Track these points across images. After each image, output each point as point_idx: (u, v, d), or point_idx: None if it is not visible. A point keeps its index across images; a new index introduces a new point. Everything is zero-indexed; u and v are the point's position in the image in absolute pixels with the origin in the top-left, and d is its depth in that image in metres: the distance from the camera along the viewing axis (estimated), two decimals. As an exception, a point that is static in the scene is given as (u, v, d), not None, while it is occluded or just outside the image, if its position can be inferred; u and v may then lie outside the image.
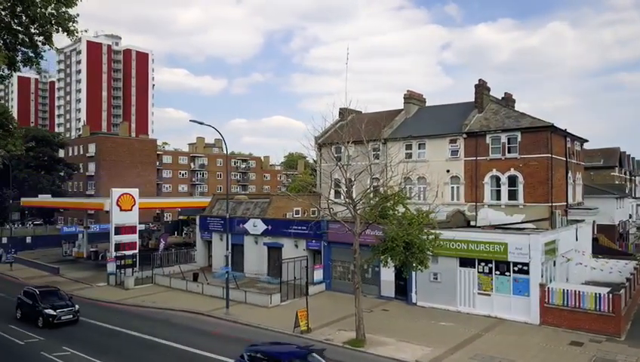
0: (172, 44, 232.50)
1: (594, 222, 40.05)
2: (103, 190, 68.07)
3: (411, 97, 40.05)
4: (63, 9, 19.17)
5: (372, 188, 23.91)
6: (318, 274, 32.62)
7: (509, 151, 31.52)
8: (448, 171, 33.45)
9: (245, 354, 17.00)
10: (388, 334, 23.14)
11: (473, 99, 35.73)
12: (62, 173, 73.66)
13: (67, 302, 26.19)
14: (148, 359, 20.82)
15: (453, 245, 27.21)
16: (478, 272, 26.93)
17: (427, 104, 41.66)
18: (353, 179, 23.51)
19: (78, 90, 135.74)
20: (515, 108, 36.07)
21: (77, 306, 26.14)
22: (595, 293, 23.43)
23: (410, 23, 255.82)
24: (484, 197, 32.24)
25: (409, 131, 36.01)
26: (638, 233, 52.32)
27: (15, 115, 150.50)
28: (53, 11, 19.14)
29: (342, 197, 26.82)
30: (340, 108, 40.28)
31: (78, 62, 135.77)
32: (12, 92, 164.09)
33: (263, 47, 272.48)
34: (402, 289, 29.83)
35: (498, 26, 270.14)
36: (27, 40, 19.78)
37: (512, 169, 31.26)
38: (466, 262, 27.37)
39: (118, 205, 37.98)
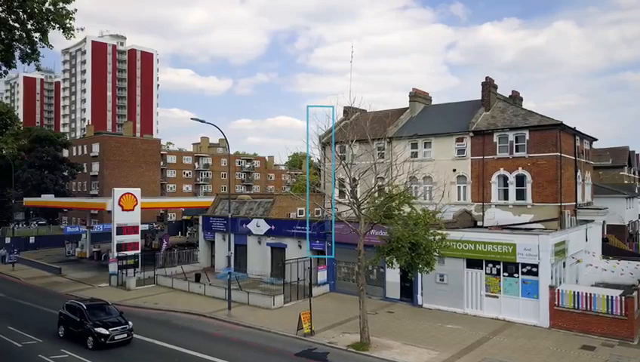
0: (177, 44, 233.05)
1: (604, 222, 39.28)
2: (107, 190, 67.72)
3: (417, 95, 39.40)
4: (61, 5, 18.78)
5: (377, 188, 23.32)
6: (322, 275, 32.06)
7: (516, 150, 30.84)
8: (455, 170, 32.80)
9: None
10: (393, 337, 22.59)
11: (479, 98, 35.08)
12: (65, 173, 73.46)
13: (119, 318, 22.62)
14: (145, 361, 20.38)
15: (460, 246, 26.61)
16: (486, 274, 26.31)
17: (433, 103, 41.03)
18: (357, 179, 22.96)
19: (83, 90, 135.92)
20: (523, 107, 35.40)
21: (131, 323, 22.46)
22: (607, 296, 22.76)
23: (416, 22, 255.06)
24: (492, 197, 31.58)
25: (415, 130, 35.39)
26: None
27: (21, 115, 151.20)
28: (50, 7, 18.75)
29: (346, 196, 26.26)
30: (345, 107, 39.74)
31: (83, 62, 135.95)
32: (18, 92, 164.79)
33: (267, 47, 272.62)
34: (408, 290, 29.24)
35: (503, 26, 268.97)
36: (24, 36, 19.40)
37: (520, 168, 30.57)
38: (473, 263, 26.76)
39: (120, 205, 37.57)
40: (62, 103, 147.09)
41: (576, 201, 32.99)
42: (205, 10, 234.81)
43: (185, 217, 68.34)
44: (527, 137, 30.46)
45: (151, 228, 57.69)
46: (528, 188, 30.25)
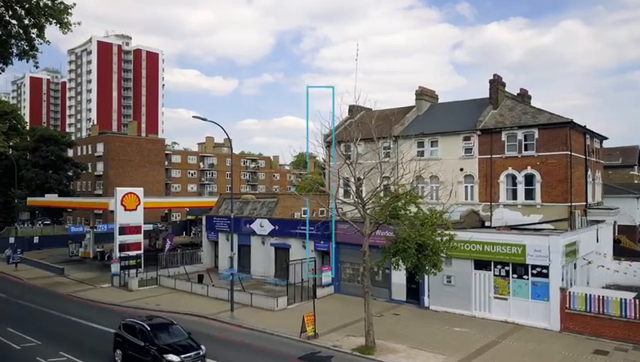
0: (183, 45, 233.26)
1: (615, 222, 38.47)
2: (111, 189, 67.34)
3: (423, 93, 38.76)
4: (59, 0, 18.39)
5: (382, 187, 22.74)
6: (327, 276, 31.54)
7: (525, 149, 30.13)
8: (462, 169, 32.14)
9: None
10: (399, 340, 22.02)
11: (487, 96, 34.40)
12: (70, 173, 73.31)
13: (189, 341, 19.24)
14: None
15: (467, 246, 25.98)
16: (494, 275, 25.69)
17: (439, 102, 40.38)
18: (362, 178, 22.39)
19: (89, 90, 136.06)
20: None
21: (204, 348, 19.07)
22: (620, 299, 22.06)
23: (421, 22, 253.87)
24: (500, 197, 30.90)
25: (421, 128, 34.76)
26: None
27: (27, 115, 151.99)
28: (48, 2, 18.35)
29: (351, 196, 25.69)
30: (350, 105, 39.23)
31: (89, 62, 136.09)
32: (25, 92, 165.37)
33: (273, 47, 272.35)
34: (414, 292, 28.65)
35: (510, 25, 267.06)
36: (21, 32, 19.00)
37: (528, 167, 29.87)
38: (481, 265, 26.14)
39: (122, 205, 37.20)
40: (68, 103, 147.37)
41: (586, 201, 32.24)
42: (211, 10, 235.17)
43: (189, 217, 68.07)
44: (536, 136, 29.75)
45: (155, 228, 57.35)
46: (537, 187, 29.54)
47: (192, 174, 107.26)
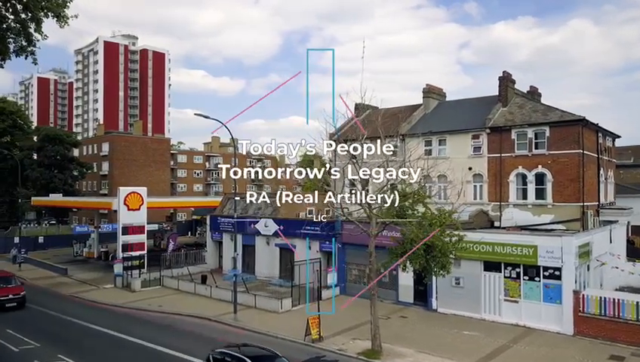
0: (191, 45, 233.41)
1: (628, 223, 37.58)
2: (116, 189, 67.25)
3: (430, 91, 38.00)
4: None
5: (389, 186, 22.07)
6: (332, 278, 30.83)
7: (536, 147, 29.33)
8: (470, 169, 31.38)
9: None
10: (406, 344, 21.35)
11: (496, 94, 33.62)
12: (75, 173, 73.17)
13: None
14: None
15: (477, 247, 25.25)
16: (505, 277, 24.95)
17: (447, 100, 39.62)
18: (369, 175, 21.69)
19: (96, 90, 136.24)
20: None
21: None
22: (637, 302, 21.25)
23: (428, 21, 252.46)
24: (509, 197, 30.12)
25: (428, 127, 34.03)
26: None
27: (35, 115, 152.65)
28: None
29: (356, 196, 25.01)
30: (356, 104, 38.53)
31: (96, 62, 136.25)
32: (32, 93, 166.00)
33: (280, 47, 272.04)
34: (422, 294, 27.97)
35: (518, 24, 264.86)
36: (19, 26, 18.56)
37: (539, 166, 29.06)
38: (490, 266, 25.41)
39: (125, 204, 36.79)
40: (75, 103, 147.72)
41: (598, 201, 31.41)
42: (219, 10, 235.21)
43: (195, 217, 67.68)
44: (547, 134, 28.95)
45: (160, 228, 56.99)
46: (548, 186, 28.73)
47: (197, 174, 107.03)
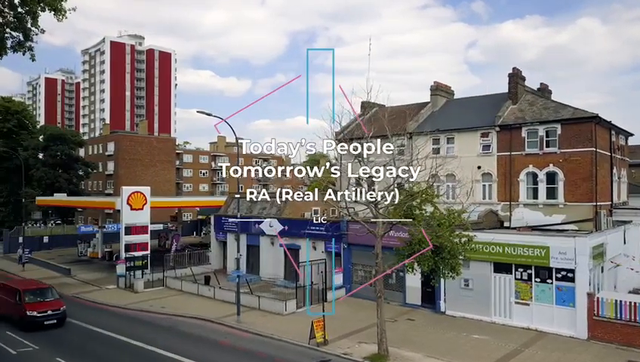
0: (197, 46, 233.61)
1: (642, 223, 36.57)
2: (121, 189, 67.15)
3: (438, 88, 37.27)
4: None
5: (396, 185, 21.40)
6: (338, 279, 30.24)
7: (547, 145, 28.54)
8: (479, 167, 30.64)
9: None
10: (413, 348, 20.68)
11: (505, 92, 32.84)
12: (80, 172, 72.95)
13: None
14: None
15: (486, 248, 24.54)
16: (516, 279, 24.20)
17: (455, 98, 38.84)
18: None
19: (102, 91, 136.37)
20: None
21: None
22: (654, 305, 20.47)
23: (436, 21, 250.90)
24: (520, 196, 29.36)
25: (436, 125, 33.28)
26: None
27: (42, 115, 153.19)
28: None
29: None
30: (362, 102, 37.85)
31: (102, 62, 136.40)
32: (40, 93, 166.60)
33: (287, 48, 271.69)
34: (430, 296, 27.26)
35: (526, 23, 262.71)
36: (15, 21, 18.13)
37: (550, 165, 28.28)
38: (501, 268, 24.67)
39: (128, 204, 36.33)
40: (82, 103, 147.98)
41: (611, 201, 30.58)
42: (226, 11, 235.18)
43: (200, 217, 67.20)
44: (558, 131, 28.16)
45: (165, 228, 56.55)
46: (560, 186, 27.95)
47: (203, 174, 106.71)
